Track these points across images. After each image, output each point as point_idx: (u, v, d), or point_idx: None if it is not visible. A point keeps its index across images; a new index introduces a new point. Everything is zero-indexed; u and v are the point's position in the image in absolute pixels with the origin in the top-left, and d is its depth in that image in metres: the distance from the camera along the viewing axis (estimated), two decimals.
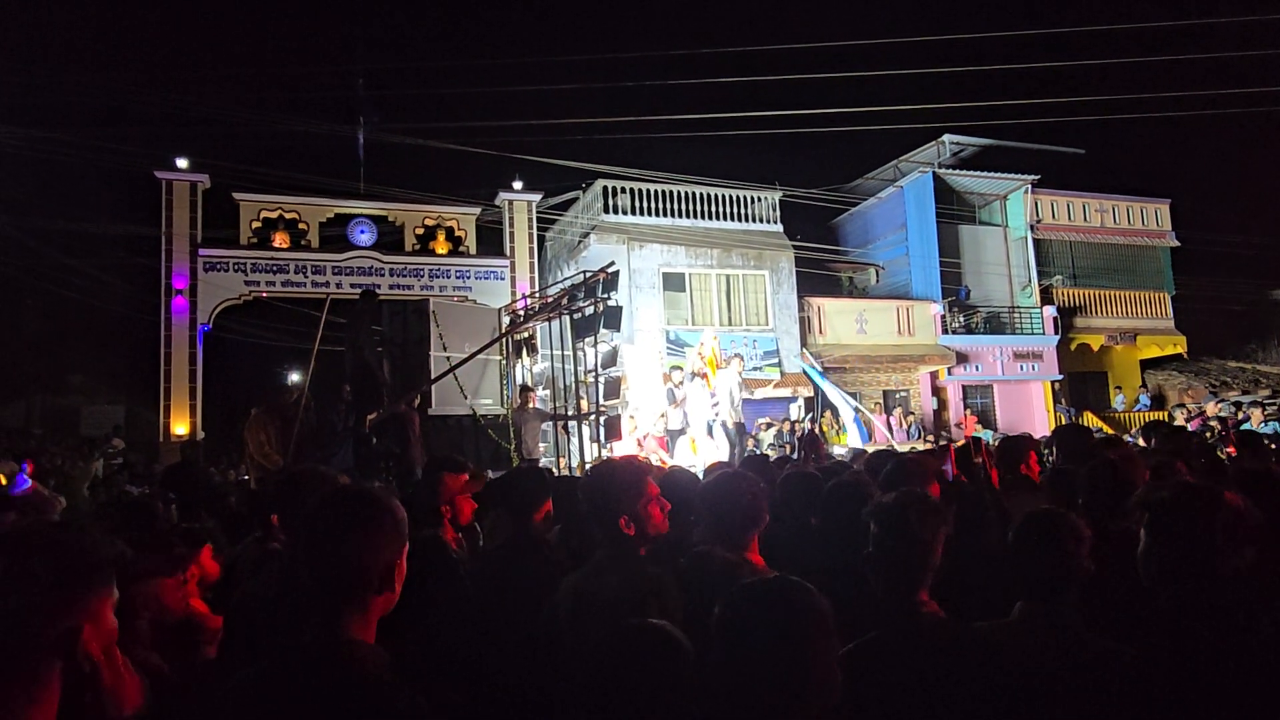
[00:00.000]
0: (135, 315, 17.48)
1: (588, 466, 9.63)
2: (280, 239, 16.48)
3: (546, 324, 11.93)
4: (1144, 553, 1.79)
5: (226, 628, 2.54)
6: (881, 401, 15.43)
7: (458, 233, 17.78)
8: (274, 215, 16.58)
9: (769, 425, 16.29)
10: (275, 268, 16.30)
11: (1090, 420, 18.73)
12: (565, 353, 11.50)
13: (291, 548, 2.41)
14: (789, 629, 1.40)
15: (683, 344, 16.28)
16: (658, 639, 1.47)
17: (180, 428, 15.41)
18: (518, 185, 18.29)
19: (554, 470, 10.32)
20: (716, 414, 10.70)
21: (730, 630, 1.45)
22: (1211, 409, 15.44)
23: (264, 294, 16.26)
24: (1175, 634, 1.66)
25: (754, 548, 2.39)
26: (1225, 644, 1.60)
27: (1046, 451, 6.80)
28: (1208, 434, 11.48)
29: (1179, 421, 13.41)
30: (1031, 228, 21.57)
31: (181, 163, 16.04)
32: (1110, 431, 15.91)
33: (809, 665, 1.40)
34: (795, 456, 7.81)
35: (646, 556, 2.33)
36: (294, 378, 10.84)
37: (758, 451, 12.25)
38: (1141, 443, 7.79)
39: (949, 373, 19.83)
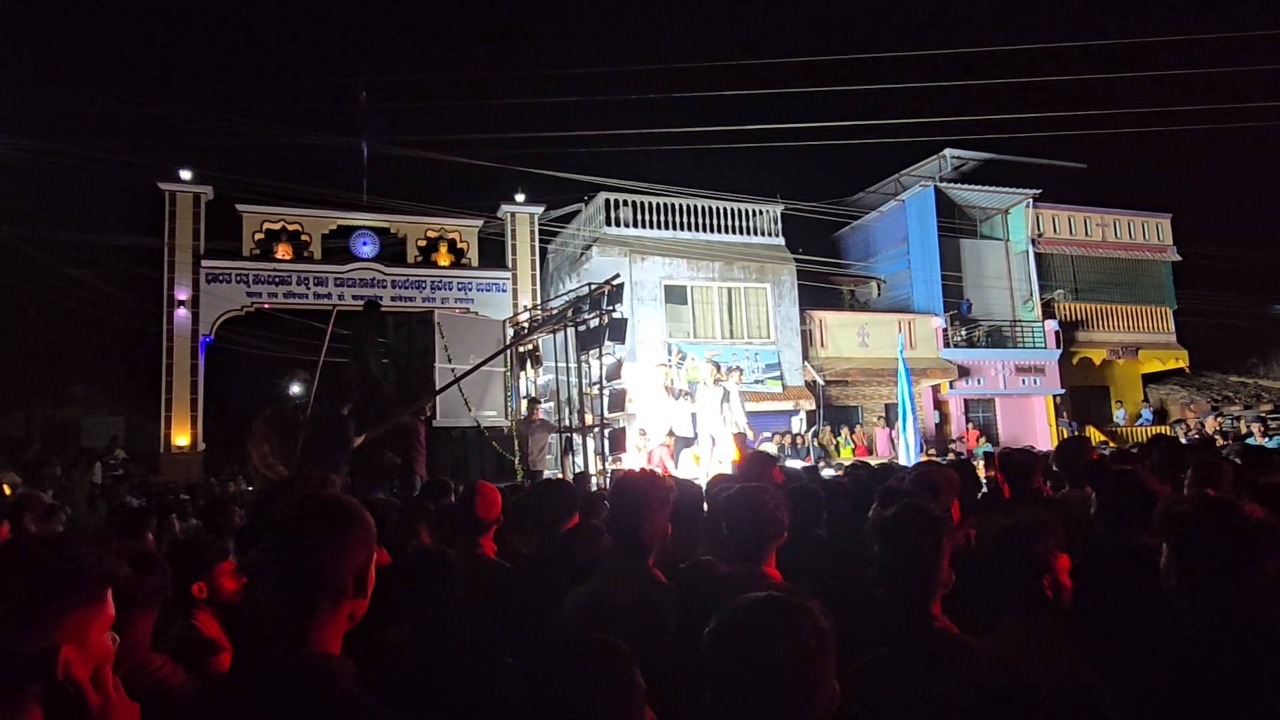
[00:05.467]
0: (137, 326, 17.48)
1: (598, 478, 9.60)
2: (283, 250, 16.52)
3: (551, 336, 11.93)
4: (1165, 567, 1.77)
5: (235, 642, 2.52)
6: (884, 415, 15.43)
7: (460, 245, 17.82)
8: (276, 227, 16.63)
9: (771, 438, 16.25)
10: (277, 279, 16.34)
11: (1093, 434, 18.67)
12: (569, 365, 11.48)
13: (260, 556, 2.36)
14: (784, 649, 1.39)
15: (685, 357, 16.27)
16: (598, 651, 1.45)
17: (181, 439, 15.40)
18: (520, 198, 18.35)
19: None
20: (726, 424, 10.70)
21: (723, 649, 1.44)
22: (1211, 424, 15.41)
23: (266, 305, 16.29)
24: (1198, 648, 1.64)
25: (770, 561, 2.38)
26: (1251, 657, 1.58)
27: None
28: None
29: (1179, 438, 13.39)
30: (1033, 242, 21.59)
31: (185, 174, 16.10)
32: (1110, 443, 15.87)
33: (802, 686, 1.39)
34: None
35: (653, 567, 2.33)
36: (296, 389, 10.80)
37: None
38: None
39: (951, 386, 19.81)
